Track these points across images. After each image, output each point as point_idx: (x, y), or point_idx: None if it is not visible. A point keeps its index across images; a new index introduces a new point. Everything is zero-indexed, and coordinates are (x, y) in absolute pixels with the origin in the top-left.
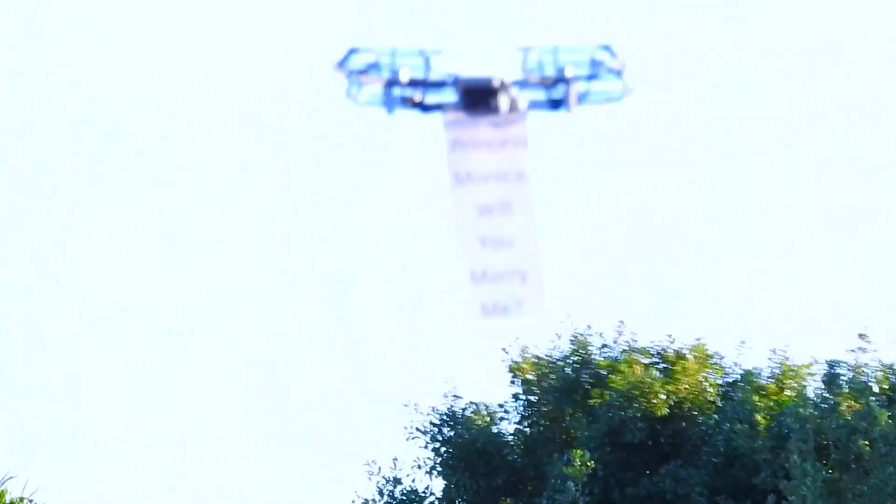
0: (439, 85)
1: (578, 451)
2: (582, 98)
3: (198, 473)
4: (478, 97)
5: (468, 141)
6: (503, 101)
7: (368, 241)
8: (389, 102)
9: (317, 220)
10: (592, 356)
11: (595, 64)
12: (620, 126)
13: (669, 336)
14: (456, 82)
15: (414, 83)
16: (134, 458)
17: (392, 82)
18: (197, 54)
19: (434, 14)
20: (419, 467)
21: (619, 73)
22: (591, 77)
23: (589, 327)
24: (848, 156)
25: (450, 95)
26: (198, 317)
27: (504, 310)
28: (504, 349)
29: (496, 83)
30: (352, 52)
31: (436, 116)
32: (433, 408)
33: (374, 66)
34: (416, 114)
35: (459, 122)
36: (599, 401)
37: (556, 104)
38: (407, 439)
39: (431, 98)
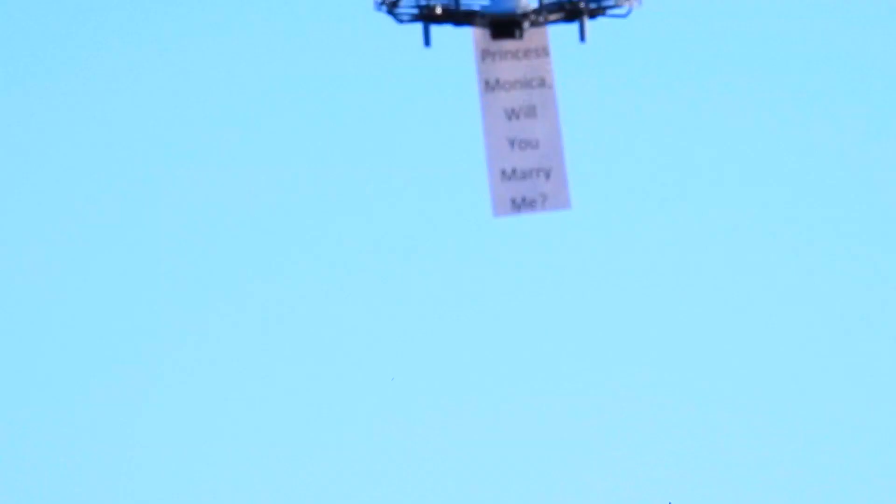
0: (469, 15)
1: None
2: (593, 15)
3: None
4: (504, 26)
5: (496, 51)
6: (526, 24)
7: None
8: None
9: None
10: None
11: None
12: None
13: None
14: (483, 15)
15: (447, 13)
16: None
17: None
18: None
19: None
20: None
21: None
22: None
23: None
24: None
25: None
26: None
27: (531, 204)
28: None
29: (520, 13)
30: None
31: (466, 30)
32: None
33: None
34: (449, 28)
35: (488, 35)
36: None
37: (572, 16)
38: None
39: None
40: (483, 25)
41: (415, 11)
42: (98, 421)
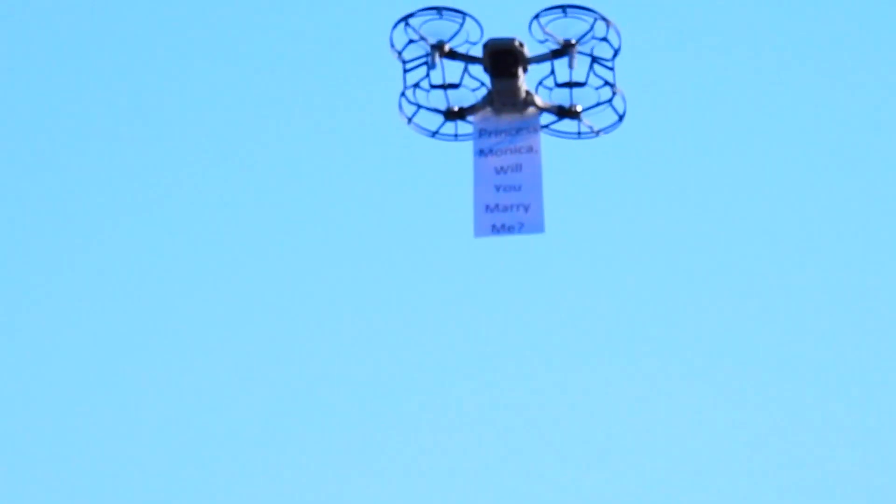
0: (472, 59)
1: None
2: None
3: None
4: (502, 61)
5: (492, 130)
6: (521, 85)
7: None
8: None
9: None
10: None
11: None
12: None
13: None
14: (486, 45)
15: (454, 55)
16: None
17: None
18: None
19: None
20: None
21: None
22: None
23: None
24: None
25: (476, 91)
26: None
27: (509, 229)
28: None
29: (517, 43)
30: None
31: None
32: None
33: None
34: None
35: (486, 116)
36: None
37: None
38: None
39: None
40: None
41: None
42: (98, 420)
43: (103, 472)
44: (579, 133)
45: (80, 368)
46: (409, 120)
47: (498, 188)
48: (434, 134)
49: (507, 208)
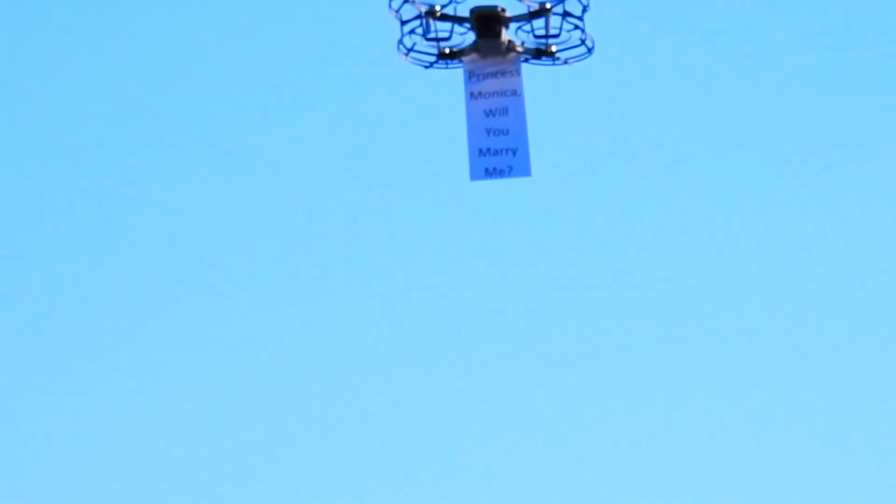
0: (461, 20)
1: None
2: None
3: None
4: (486, 24)
5: (480, 73)
6: (504, 35)
7: None
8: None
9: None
10: None
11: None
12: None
13: None
14: (472, 11)
15: (444, 17)
16: None
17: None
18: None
19: None
20: None
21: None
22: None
23: None
24: None
25: (465, 36)
26: None
27: (500, 172)
28: None
29: (499, 9)
30: None
31: (457, 67)
32: None
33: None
34: (444, 67)
35: (474, 62)
36: None
37: (538, 55)
38: None
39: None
40: (473, 39)
41: (433, 54)
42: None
43: (104, 472)
44: (553, 62)
45: (80, 368)
46: (408, 52)
47: (488, 132)
48: (429, 66)
49: (498, 152)
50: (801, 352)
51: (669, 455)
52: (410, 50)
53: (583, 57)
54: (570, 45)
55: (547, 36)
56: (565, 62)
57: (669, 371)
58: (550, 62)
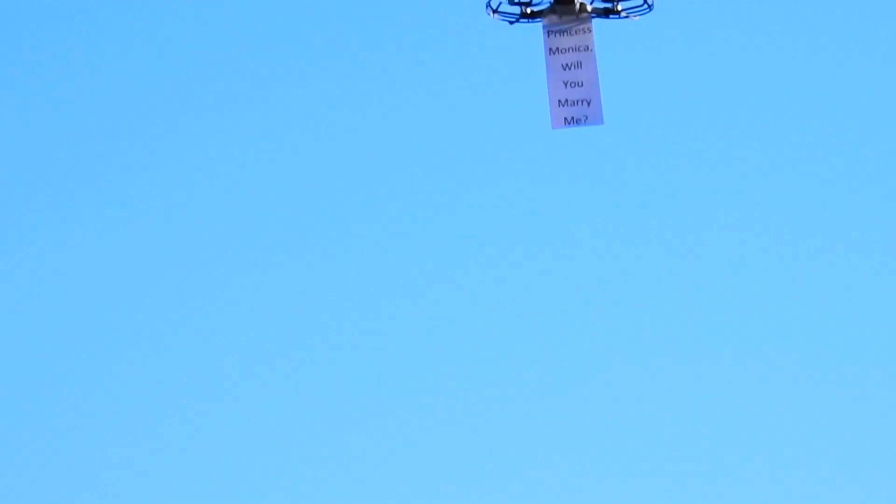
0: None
1: None
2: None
3: None
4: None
5: (556, 30)
6: (579, 3)
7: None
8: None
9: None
10: None
11: None
12: None
13: None
14: None
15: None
16: None
17: None
18: None
19: None
20: None
21: None
22: None
23: None
24: None
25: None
26: None
27: (578, 121)
28: None
29: None
30: None
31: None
32: None
33: None
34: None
35: (552, 21)
36: None
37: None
38: None
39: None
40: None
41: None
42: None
43: (102, 472)
44: (619, 18)
45: (80, 367)
46: (495, 11)
47: (566, 84)
48: (513, 22)
49: (574, 103)
50: (801, 351)
51: (670, 455)
52: (496, 10)
53: (645, 11)
54: (633, 5)
55: (614, 0)
56: (628, 17)
57: (674, 371)
58: (617, 18)
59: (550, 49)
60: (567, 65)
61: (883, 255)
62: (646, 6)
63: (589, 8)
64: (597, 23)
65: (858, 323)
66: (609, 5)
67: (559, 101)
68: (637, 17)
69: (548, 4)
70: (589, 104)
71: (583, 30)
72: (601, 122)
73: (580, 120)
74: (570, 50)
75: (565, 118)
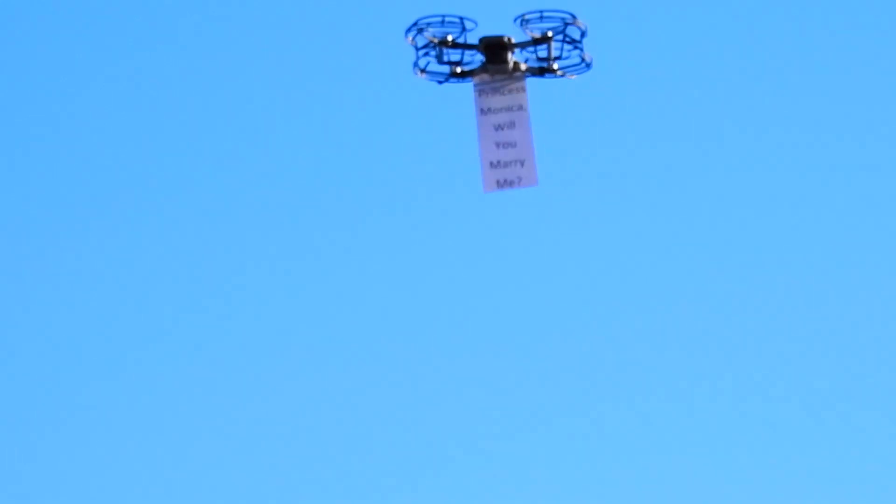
0: (470, 47)
1: None
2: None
3: None
4: (495, 51)
5: (489, 90)
6: (510, 59)
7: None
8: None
9: None
10: None
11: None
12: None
13: None
14: (480, 40)
15: (455, 45)
16: None
17: (441, 43)
18: None
19: None
20: None
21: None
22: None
23: None
24: None
25: (475, 57)
26: None
27: (510, 183)
28: None
29: (506, 39)
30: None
31: (467, 84)
32: None
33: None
34: (455, 84)
35: (483, 80)
36: None
37: (542, 72)
38: None
39: (465, 60)
40: (482, 64)
41: (445, 71)
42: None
43: (102, 472)
44: (555, 76)
45: (80, 367)
46: (423, 71)
47: (498, 145)
48: (442, 82)
49: (507, 164)
50: (801, 352)
51: (670, 456)
52: (424, 69)
53: (583, 70)
54: (570, 64)
55: (549, 59)
56: (564, 76)
57: (674, 373)
58: (552, 77)
59: (482, 109)
60: (499, 125)
61: (883, 255)
62: (584, 65)
63: (523, 66)
64: (531, 82)
65: (858, 323)
66: (544, 64)
67: (491, 162)
68: (574, 77)
69: (479, 63)
70: (522, 165)
71: (516, 89)
72: (535, 183)
73: (513, 182)
74: (503, 110)
75: (497, 181)
